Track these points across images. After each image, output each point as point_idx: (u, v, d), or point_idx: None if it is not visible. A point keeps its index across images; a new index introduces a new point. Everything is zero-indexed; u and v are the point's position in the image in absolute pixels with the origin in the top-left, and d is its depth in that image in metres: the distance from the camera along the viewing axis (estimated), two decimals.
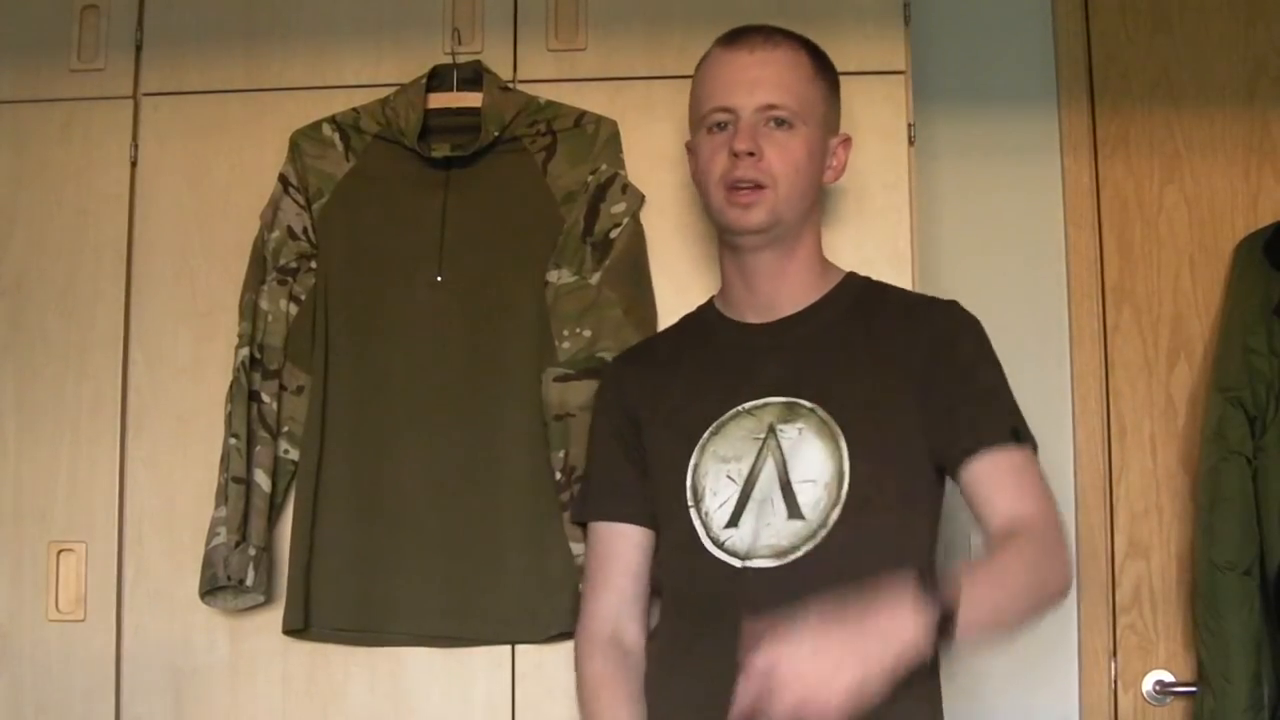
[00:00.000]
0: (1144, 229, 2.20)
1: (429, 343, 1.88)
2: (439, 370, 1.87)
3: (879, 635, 1.27)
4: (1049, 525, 1.48)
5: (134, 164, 1.98)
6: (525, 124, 1.93)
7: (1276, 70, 2.20)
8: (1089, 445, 2.17)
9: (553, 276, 1.88)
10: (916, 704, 1.45)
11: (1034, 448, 1.54)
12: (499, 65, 1.97)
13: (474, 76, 1.95)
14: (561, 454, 1.83)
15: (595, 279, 1.88)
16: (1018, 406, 1.56)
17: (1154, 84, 2.22)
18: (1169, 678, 2.10)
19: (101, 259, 1.96)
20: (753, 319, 1.64)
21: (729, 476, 1.54)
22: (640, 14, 1.97)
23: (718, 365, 1.63)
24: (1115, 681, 2.11)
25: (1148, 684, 2.10)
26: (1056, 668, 2.12)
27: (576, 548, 1.80)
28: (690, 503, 1.56)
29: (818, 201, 1.65)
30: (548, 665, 1.85)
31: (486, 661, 1.86)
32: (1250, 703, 1.91)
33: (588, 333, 1.86)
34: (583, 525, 1.73)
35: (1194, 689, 2.04)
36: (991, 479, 1.50)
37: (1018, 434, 1.52)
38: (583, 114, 1.94)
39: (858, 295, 1.64)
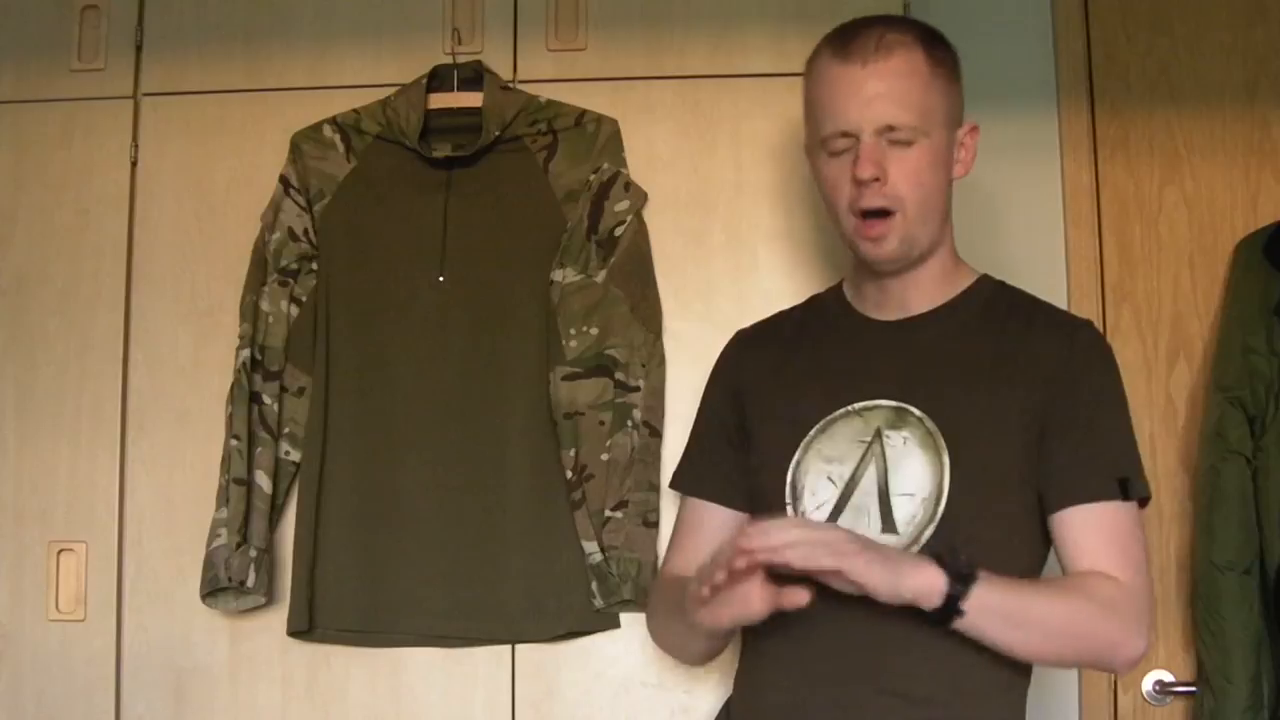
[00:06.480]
0: (1144, 229, 2.19)
1: (431, 343, 1.88)
2: (441, 370, 1.87)
3: (893, 563, 1.34)
4: (1127, 594, 1.42)
5: (134, 164, 1.98)
6: (526, 123, 1.93)
7: (1276, 70, 2.19)
8: None
9: (558, 275, 1.88)
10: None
11: (1144, 500, 1.48)
12: (499, 65, 1.97)
13: (474, 76, 1.95)
14: (572, 452, 1.84)
15: (601, 277, 1.88)
16: (1135, 451, 1.50)
17: (1154, 84, 2.21)
18: (1169, 678, 2.10)
19: (101, 259, 1.96)
20: (878, 315, 1.59)
21: (830, 479, 1.49)
22: (640, 14, 1.97)
23: (835, 358, 1.59)
24: (1115, 681, 2.11)
25: (1148, 684, 2.10)
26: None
27: (589, 546, 1.81)
28: (789, 499, 1.52)
29: (949, 201, 1.56)
30: (548, 665, 1.86)
31: (486, 661, 1.87)
32: (1250, 703, 1.91)
33: (595, 330, 1.87)
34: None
35: (1194, 689, 2.04)
36: (1083, 535, 1.44)
37: (1125, 487, 1.45)
38: (583, 113, 1.94)
39: (988, 300, 1.57)
